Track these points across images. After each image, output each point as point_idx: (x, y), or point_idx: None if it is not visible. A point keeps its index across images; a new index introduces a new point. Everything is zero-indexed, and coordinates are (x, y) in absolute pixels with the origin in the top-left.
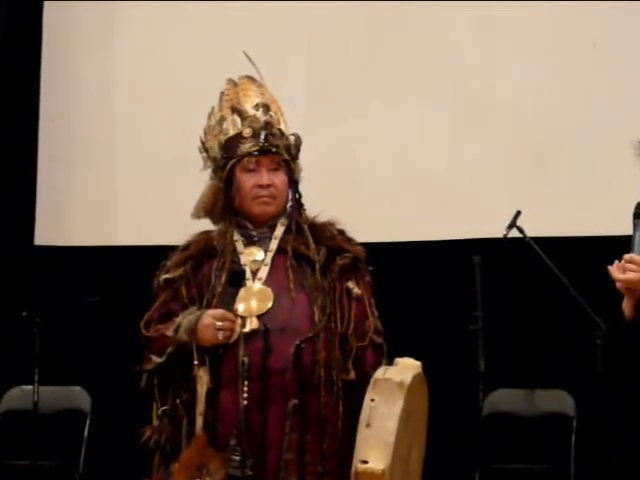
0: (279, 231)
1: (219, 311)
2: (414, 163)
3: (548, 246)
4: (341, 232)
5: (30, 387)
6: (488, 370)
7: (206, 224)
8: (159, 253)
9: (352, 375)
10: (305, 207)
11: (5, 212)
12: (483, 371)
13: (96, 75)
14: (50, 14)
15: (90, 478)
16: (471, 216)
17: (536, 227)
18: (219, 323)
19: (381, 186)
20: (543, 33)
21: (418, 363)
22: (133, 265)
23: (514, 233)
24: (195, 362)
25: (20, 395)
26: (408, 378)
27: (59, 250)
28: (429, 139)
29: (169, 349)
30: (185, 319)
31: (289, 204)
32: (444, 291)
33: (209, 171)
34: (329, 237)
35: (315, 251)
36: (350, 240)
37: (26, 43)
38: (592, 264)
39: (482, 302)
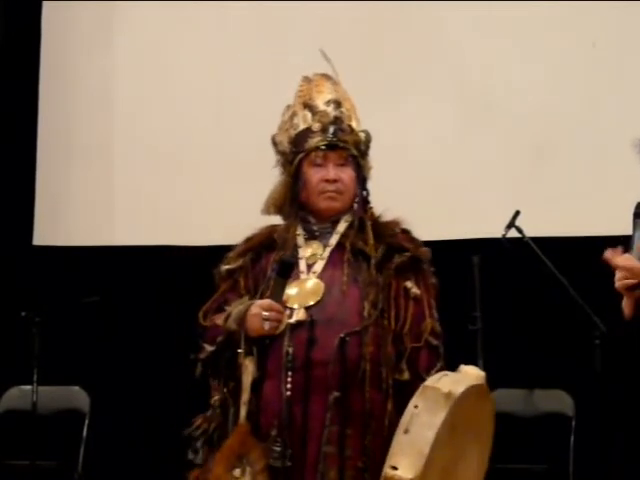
0: (341, 227)
1: (266, 301)
2: (413, 163)
3: (547, 246)
4: (405, 231)
5: (29, 387)
6: (487, 370)
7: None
8: (159, 253)
9: (405, 375)
10: (372, 204)
11: (4, 212)
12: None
13: (95, 75)
14: (49, 14)
15: (89, 478)
16: (470, 216)
17: (535, 227)
18: (265, 313)
19: (380, 186)
20: (543, 33)
21: (481, 374)
22: (132, 265)
23: (513, 233)
24: (239, 350)
25: (19, 395)
26: (459, 389)
27: (58, 250)
28: (428, 139)
29: (219, 338)
30: (236, 308)
31: (356, 200)
32: (443, 291)
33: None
34: (390, 235)
35: (373, 247)
36: (413, 240)
37: (25, 43)
38: (591, 264)
39: (481, 302)
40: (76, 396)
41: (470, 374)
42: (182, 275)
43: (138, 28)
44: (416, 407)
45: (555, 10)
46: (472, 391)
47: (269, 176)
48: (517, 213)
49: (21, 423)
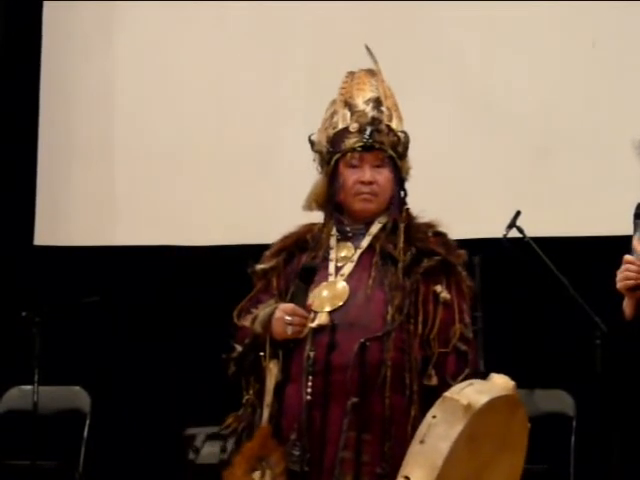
0: (375, 228)
1: (289, 305)
2: (413, 163)
3: (548, 246)
4: (438, 234)
5: (30, 387)
6: (487, 370)
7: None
8: (159, 253)
9: (434, 381)
10: (408, 206)
11: (5, 212)
12: (483, 371)
13: (96, 75)
14: (50, 14)
15: (90, 478)
16: (471, 216)
17: (536, 227)
18: (288, 318)
19: None
20: (543, 33)
21: (510, 384)
22: (132, 265)
23: (514, 233)
24: (261, 354)
25: (20, 395)
26: (480, 401)
27: (59, 250)
28: (428, 139)
29: (246, 340)
30: (262, 311)
31: (392, 202)
32: None
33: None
34: (420, 238)
35: (401, 251)
36: (446, 243)
37: (26, 43)
38: (592, 264)
39: (481, 302)
40: (77, 396)
41: (498, 384)
42: (182, 275)
43: (138, 28)
44: (434, 417)
45: (555, 10)
46: (498, 402)
47: (269, 176)
48: (518, 213)
49: (22, 423)
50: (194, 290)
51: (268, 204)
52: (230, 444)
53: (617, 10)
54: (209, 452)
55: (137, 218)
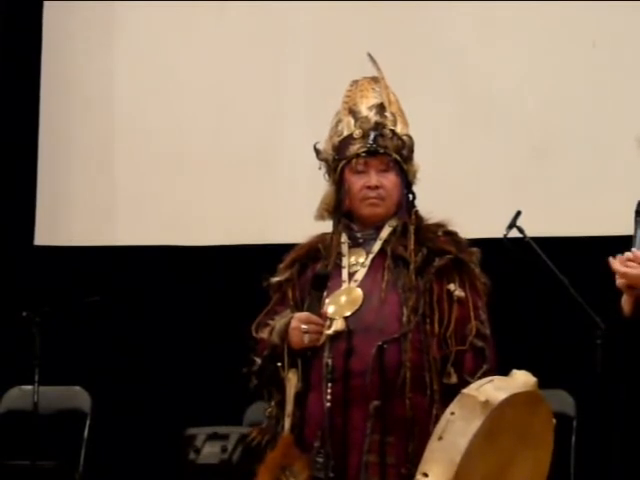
0: (385, 233)
1: (304, 314)
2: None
3: (548, 246)
4: (449, 233)
5: (30, 387)
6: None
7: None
8: (159, 253)
9: (453, 379)
10: (417, 208)
11: (5, 212)
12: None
13: (96, 75)
14: (50, 14)
15: (90, 478)
16: (471, 216)
17: (536, 227)
18: (304, 326)
19: None
20: (543, 33)
21: (532, 380)
22: (133, 265)
23: (514, 233)
24: (278, 364)
25: (20, 395)
26: (499, 397)
27: (59, 250)
28: (429, 139)
29: (265, 352)
30: (279, 322)
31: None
32: None
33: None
34: (431, 238)
35: (412, 252)
36: (457, 242)
37: (26, 43)
38: (592, 264)
39: None
40: (77, 396)
41: (518, 380)
42: (182, 275)
43: (138, 28)
44: (452, 414)
45: (555, 10)
46: (517, 398)
47: (269, 176)
48: (518, 213)
49: (22, 423)
50: (194, 290)
51: (268, 204)
52: (230, 444)
53: (617, 10)
54: (209, 452)
55: (137, 218)
